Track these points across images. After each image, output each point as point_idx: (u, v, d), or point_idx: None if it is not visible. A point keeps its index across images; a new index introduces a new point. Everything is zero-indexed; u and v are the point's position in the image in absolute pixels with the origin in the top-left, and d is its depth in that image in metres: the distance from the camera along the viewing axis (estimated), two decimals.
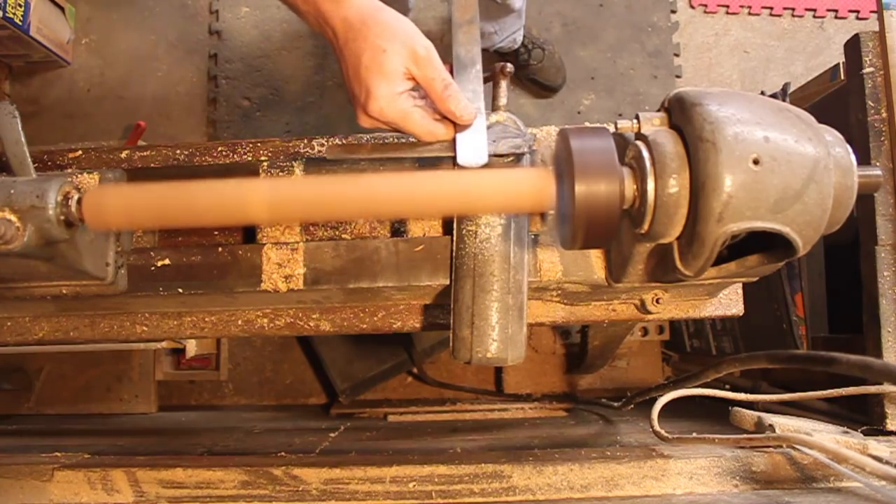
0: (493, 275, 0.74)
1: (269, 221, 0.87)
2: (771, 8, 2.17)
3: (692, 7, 2.18)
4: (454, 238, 0.80)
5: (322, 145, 0.90)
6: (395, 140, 0.86)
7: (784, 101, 1.07)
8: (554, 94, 2.10)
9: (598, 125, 0.67)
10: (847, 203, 0.64)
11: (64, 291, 0.81)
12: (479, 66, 0.80)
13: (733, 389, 1.04)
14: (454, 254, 0.79)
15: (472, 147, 0.75)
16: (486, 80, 0.82)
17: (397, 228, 0.89)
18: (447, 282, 0.81)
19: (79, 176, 0.85)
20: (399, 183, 0.67)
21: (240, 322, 0.92)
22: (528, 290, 0.85)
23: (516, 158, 0.79)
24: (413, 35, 0.72)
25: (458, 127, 0.76)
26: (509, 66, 0.80)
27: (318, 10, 0.74)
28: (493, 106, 0.81)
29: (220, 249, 0.84)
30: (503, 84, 0.80)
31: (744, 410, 0.93)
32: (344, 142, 0.87)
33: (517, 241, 0.76)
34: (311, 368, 1.96)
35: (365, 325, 0.92)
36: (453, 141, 0.76)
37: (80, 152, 0.92)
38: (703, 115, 0.60)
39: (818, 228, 0.61)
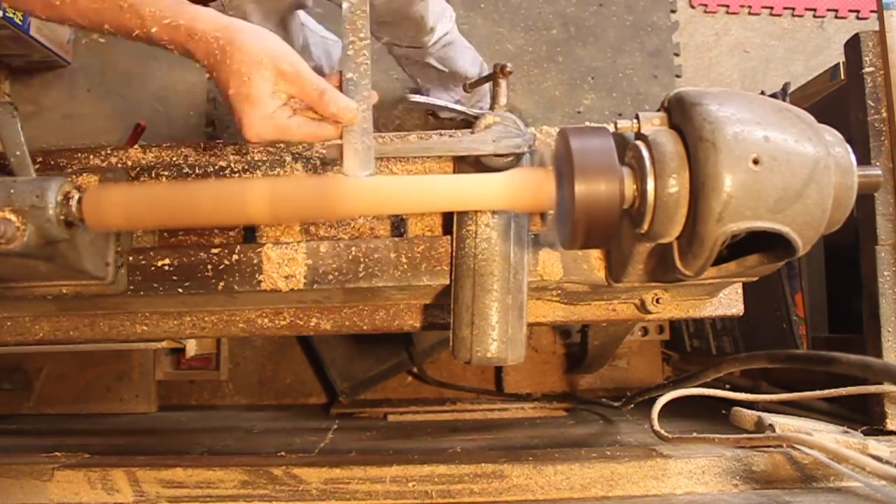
0: (493, 274, 0.74)
1: (268, 221, 0.87)
2: (771, 8, 2.17)
3: (692, 7, 2.18)
4: (454, 238, 0.79)
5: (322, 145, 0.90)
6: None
7: (784, 100, 1.07)
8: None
9: (598, 125, 0.67)
10: (847, 203, 0.64)
11: (64, 291, 0.81)
12: (366, 68, 0.78)
13: (733, 389, 1.03)
14: (454, 254, 0.79)
15: (360, 159, 0.74)
16: (486, 81, 0.81)
17: (397, 228, 0.89)
18: (447, 281, 0.81)
19: (79, 176, 0.85)
20: (403, 183, 0.68)
21: (240, 322, 0.92)
22: (529, 290, 0.85)
23: (516, 158, 0.78)
24: (276, 54, 0.72)
25: (345, 127, 0.75)
26: (509, 66, 0.80)
27: (185, 52, 0.74)
28: (492, 105, 0.81)
29: (220, 249, 0.84)
30: (503, 84, 0.80)
31: (744, 410, 0.93)
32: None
33: (517, 240, 0.76)
34: (311, 368, 1.96)
35: (365, 325, 0.92)
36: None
37: (79, 152, 0.92)
38: (702, 114, 0.60)
39: (818, 228, 0.61)
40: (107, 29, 0.73)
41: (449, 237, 0.82)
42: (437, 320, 0.91)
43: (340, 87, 0.75)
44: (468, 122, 1.97)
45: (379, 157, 0.83)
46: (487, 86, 1.80)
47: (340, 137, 0.74)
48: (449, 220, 0.83)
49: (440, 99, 1.76)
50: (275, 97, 0.72)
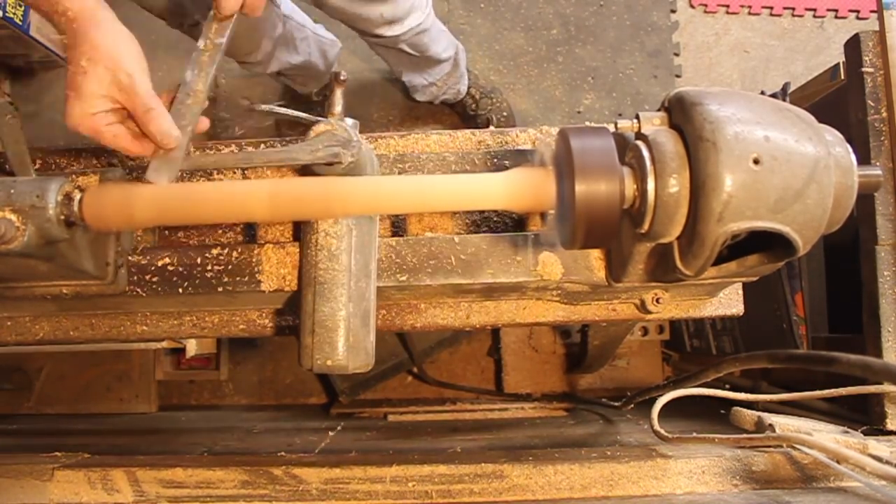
0: (333, 283, 0.74)
1: (268, 219, 0.87)
2: (771, 7, 2.17)
3: (692, 7, 2.18)
4: (300, 246, 0.79)
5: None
6: None
7: (784, 100, 1.07)
8: None
9: (598, 125, 0.67)
10: (847, 203, 0.64)
11: (64, 291, 0.81)
12: (199, 91, 0.78)
13: (733, 389, 1.04)
14: (300, 262, 0.79)
15: (166, 164, 0.74)
16: (323, 91, 0.80)
17: (397, 228, 0.89)
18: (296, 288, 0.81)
19: (79, 176, 0.85)
20: (403, 183, 0.68)
21: (240, 322, 0.92)
22: (529, 290, 0.85)
23: (335, 166, 0.77)
24: (120, 59, 0.72)
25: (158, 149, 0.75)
26: (343, 75, 0.80)
27: (49, 17, 0.74)
28: (327, 113, 0.80)
29: (220, 249, 0.84)
30: (338, 92, 0.80)
31: (744, 410, 0.93)
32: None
33: (360, 248, 0.76)
34: None
35: None
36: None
37: (79, 152, 0.92)
38: (703, 114, 0.60)
39: (818, 228, 0.61)
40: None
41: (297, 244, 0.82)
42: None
43: (171, 106, 0.76)
44: (449, 105, 1.96)
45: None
46: (464, 64, 1.81)
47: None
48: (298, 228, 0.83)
49: (413, 81, 1.78)
50: (103, 100, 0.72)
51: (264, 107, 0.87)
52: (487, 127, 1.88)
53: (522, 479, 0.85)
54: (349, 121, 0.79)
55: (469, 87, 1.93)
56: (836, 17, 2.17)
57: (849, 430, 0.87)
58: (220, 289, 0.83)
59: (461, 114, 2.02)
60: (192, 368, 1.88)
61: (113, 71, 0.72)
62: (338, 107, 0.79)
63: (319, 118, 0.78)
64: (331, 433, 1.34)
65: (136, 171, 0.90)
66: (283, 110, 0.84)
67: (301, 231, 0.79)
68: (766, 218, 0.59)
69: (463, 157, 0.88)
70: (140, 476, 0.87)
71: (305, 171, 0.79)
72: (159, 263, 0.84)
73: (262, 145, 0.90)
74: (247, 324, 0.92)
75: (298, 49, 1.68)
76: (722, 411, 0.98)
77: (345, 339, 0.73)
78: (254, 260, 0.83)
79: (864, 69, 1.03)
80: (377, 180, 0.72)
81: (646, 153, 0.62)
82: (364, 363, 0.75)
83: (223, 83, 2.11)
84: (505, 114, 2.00)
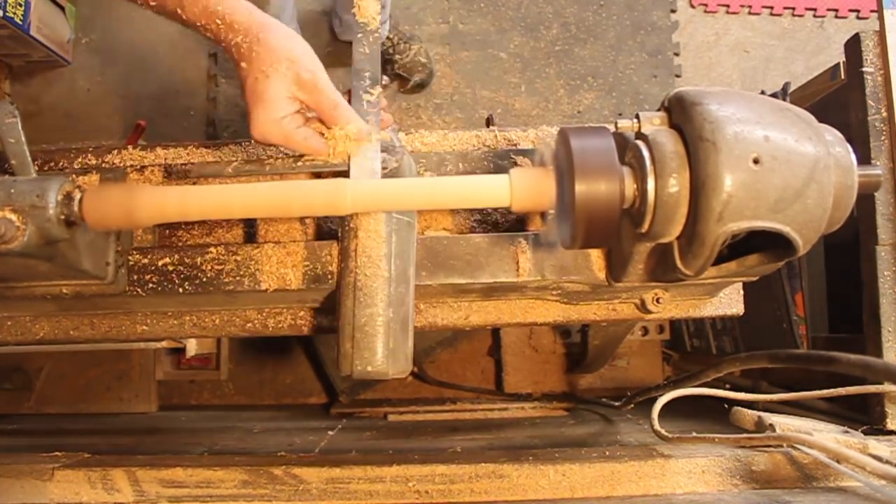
0: (373, 288, 0.74)
1: (264, 217, 0.88)
2: (771, 7, 2.17)
3: (692, 6, 2.18)
4: (339, 248, 0.79)
5: None
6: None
7: (784, 100, 1.07)
8: (420, 91, 2.09)
9: (598, 125, 0.67)
10: (847, 202, 0.64)
11: (64, 291, 0.81)
12: (379, 86, 0.80)
13: (733, 389, 1.04)
14: (338, 266, 0.79)
15: (367, 170, 0.75)
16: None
17: None
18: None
19: (79, 176, 0.85)
20: (408, 182, 0.68)
21: (240, 321, 0.92)
22: (528, 290, 0.85)
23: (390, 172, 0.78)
24: (298, 58, 0.72)
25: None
26: (385, 79, 0.81)
27: (217, 38, 0.74)
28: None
29: (220, 249, 0.84)
30: (381, 97, 0.80)
31: (744, 410, 0.93)
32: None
33: (399, 252, 0.76)
34: (311, 368, 1.96)
35: None
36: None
37: (80, 152, 0.92)
38: (703, 114, 0.60)
39: (818, 228, 0.61)
40: (152, 5, 0.74)
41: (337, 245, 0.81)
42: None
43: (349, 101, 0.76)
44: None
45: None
46: (389, 7, 1.84)
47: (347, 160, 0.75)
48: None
49: (347, 18, 1.78)
50: (289, 102, 0.72)
51: None
52: (403, 80, 1.96)
53: (522, 479, 0.85)
54: (393, 127, 0.80)
55: (389, 31, 1.97)
56: (837, 16, 2.17)
57: (849, 429, 0.87)
58: (219, 288, 0.83)
59: None
60: (192, 368, 1.88)
61: (295, 70, 0.71)
62: (383, 113, 0.80)
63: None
64: (331, 433, 1.34)
65: (136, 170, 0.90)
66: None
67: (339, 234, 0.78)
68: (766, 218, 0.59)
69: (463, 156, 0.88)
70: (140, 476, 0.87)
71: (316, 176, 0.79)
72: (159, 263, 0.84)
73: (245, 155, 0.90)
74: (246, 322, 0.92)
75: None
76: (725, 408, 0.98)
77: (384, 344, 0.73)
78: (253, 259, 0.83)
79: (864, 69, 1.03)
80: (382, 180, 0.73)
81: (646, 153, 0.62)
82: (403, 369, 0.75)
83: (223, 83, 2.11)
84: (421, 68, 2.03)
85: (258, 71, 0.71)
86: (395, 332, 0.73)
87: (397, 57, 2.01)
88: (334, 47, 2.09)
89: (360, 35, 0.82)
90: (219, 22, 0.72)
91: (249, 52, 0.72)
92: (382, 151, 0.77)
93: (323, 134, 0.76)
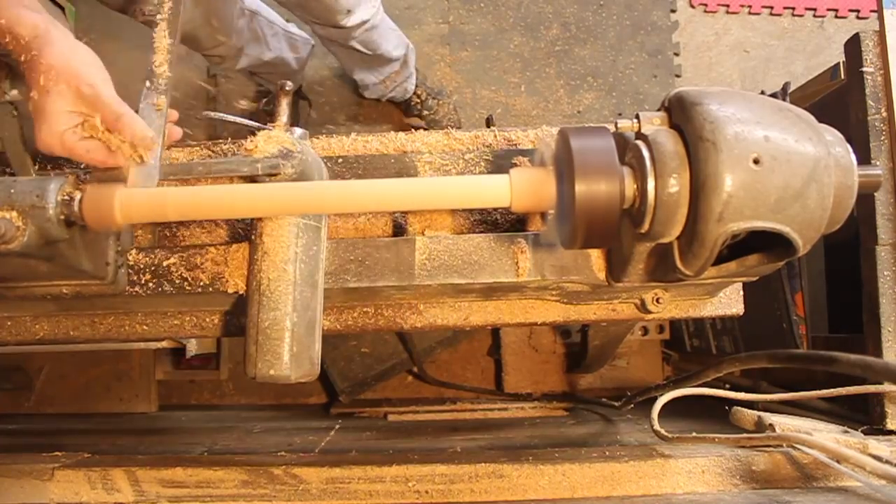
0: (278, 291, 0.73)
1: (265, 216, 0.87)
2: (771, 7, 2.17)
3: (692, 6, 2.18)
4: (249, 252, 0.79)
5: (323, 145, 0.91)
6: None
7: (784, 100, 1.07)
8: None
9: (598, 125, 0.67)
10: (847, 202, 0.64)
11: (64, 291, 0.81)
12: (163, 89, 0.79)
13: (733, 389, 1.04)
14: (249, 268, 0.78)
15: (145, 173, 0.75)
16: (270, 101, 0.82)
17: (399, 227, 0.89)
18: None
19: (79, 176, 0.85)
20: (408, 182, 0.69)
21: (238, 321, 0.92)
22: (528, 290, 0.85)
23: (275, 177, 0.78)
24: (78, 73, 0.72)
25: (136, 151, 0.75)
26: (289, 85, 0.81)
27: (8, 49, 0.73)
28: (274, 123, 0.80)
29: (220, 248, 0.84)
30: (283, 102, 0.80)
31: (744, 410, 0.93)
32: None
33: (306, 257, 0.76)
34: None
35: (368, 325, 0.92)
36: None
37: None
38: (703, 114, 0.60)
39: (818, 228, 0.61)
40: None
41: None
42: None
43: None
44: (395, 103, 1.97)
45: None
46: (413, 63, 1.83)
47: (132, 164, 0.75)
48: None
49: (364, 79, 1.81)
50: (70, 116, 0.72)
51: (213, 114, 0.88)
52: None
53: (522, 479, 0.85)
54: (298, 130, 0.80)
55: (416, 87, 1.96)
56: (836, 16, 2.17)
57: (849, 429, 0.87)
58: (220, 287, 0.83)
59: (405, 112, 2.05)
60: (192, 368, 1.88)
61: (75, 85, 0.71)
62: (283, 116, 0.80)
63: (263, 126, 0.79)
64: (331, 433, 1.34)
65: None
66: (231, 118, 0.86)
67: (251, 236, 0.78)
68: (767, 218, 0.59)
69: (463, 156, 0.88)
70: (140, 476, 0.87)
71: (249, 180, 0.79)
72: (159, 263, 0.84)
73: (209, 153, 0.90)
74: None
75: (270, 45, 1.70)
76: (725, 408, 0.98)
77: (288, 348, 0.72)
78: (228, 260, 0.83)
79: (864, 69, 1.03)
80: (382, 181, 0.73)
81: (646, 153, 0.62)
82: (308, 373, 0.75)
83: (223, 83, 2.11)
84: (450, 116, 2.03)
85: (39, 86, 0.71)
86: (299, 336, 0.73)
87: (426, 113, 2.00)
88: (360, 106, 2.10)
89: (154, 43, 0.81)
90: (3, 30, 0.72)
91: (32, 66, 0.71)
92: (277, 157, 0.76)
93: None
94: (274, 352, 0.72)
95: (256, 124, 0.81)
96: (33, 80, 0.71)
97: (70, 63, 0.72)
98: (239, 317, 0.90)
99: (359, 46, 1.60)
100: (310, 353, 0.75)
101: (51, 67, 0.71)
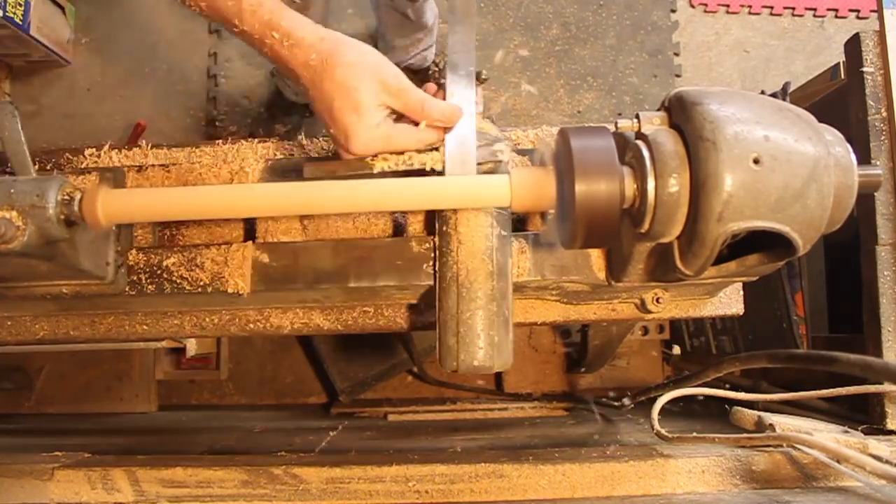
0: (476, 283, 0.74)
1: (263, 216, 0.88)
2: (771, 7, 2.17)
3: (692, 6, 2.18)
4: (436, 241, 0.79)
5: (323, 147, 0.90)
6: None
7: (784, 100, 1.07)
8: None
9: (598, 125, 0.67)
10: (847, 202, 0.64)
11: (64, 291, 0.81)
12: (471, 69, 0.80)
13: (733, 389, 1.04)
14: (436, 259, 0.79)
15: (461, 160, 0.75)
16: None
17: (399, 227, 0.89)
18: (431, 282, 0.81)
19: (79, 176, 0.85)
20: (409, 182, 0.69)
21: (240, 321, 0.92)
22: (529, 290, 0.85)
23: (496, 165, 0.79)
24: (380, 66, 0.72)
25: (447, 129, 0.76)
26: (484, 73, 0.81)
27: (277, 56, 0.73)
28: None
29: (220, 248, 0.84)
30: (479, 90, 0.80)
31: (744, 410, 0.93)
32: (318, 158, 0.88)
33: (500, 246, 0.76)
34: (311, 368, 1.96)
35: (368, 324, 0.92)
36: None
37: (79, 152, 0.92)
38: (703, 114, 0.60)
39: (818, 228, 0.61)
40: (213, 16, 0.73)
41: (431, 238, 0.82)
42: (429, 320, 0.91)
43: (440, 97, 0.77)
44: (413, 70, 2.00)
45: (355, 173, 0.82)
46: (436, 34, 1.84)
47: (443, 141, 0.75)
48: (431, 220, 0.83)
49: (394, 42, 1.82)
50: (379, 109, 0.72)
51: None
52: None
53: (522, 479, 0.85)
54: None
55: (436, 56, 1.99)
56: (837, 16, 2.17)
57: (849, 429, 0.87)
58: (220, 286, 0.83)
59: (423, 80, 2.06)
60: (192, 368, 1.88)
61: (380, 78, 0.71)
62: (480, 105, 0.80)
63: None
64: (331, 433, 1.34)
65: (136, 170, 0.90)
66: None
67: (437, 229, 0.78)
68: (767, 218, 0.59)
69: None
70: (140, 476, 0.87)
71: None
72: (159, 263, 0.84)
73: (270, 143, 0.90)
74: (246, 322, 0.92)
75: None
76: (725, 408, 0.98)
77: (489, 339, 0.73)
78: (228, 259, 0.83)
79: (864, 69, 1.03)
80: (386, 181, 0.73)
81: (646, 153, 0.62)
82: (504, 363, 0.75)
83: (223, 83, 2.11)
84: None
85: (343, 86, 0.70)
86: (497, 327, 0.74)
87: (442, 81, 2.00)
88: None
89: (454, 24, 0.81)
90: (278, 36, 0.71)
91: (325, 69, 0.71)
92: (491, 143, 0.77)
93: None
94: (475, 343, 0.73)
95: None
96: (332, 84, 0.71)
97: (368, 58, 0.72)
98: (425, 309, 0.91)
99: (410, 14, 1.63)
100: (507, 342, 0.75)
101: (353, 65, 0.71)
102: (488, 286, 0.74)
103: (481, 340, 0.73)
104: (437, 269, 0.78)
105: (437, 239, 0.79)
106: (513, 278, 0.81)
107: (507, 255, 0.77)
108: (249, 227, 0.91)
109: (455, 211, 0.76)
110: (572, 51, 2.14)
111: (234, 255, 0.83)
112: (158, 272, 0.83)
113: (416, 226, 0.89)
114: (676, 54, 2.15)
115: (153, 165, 0.90)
